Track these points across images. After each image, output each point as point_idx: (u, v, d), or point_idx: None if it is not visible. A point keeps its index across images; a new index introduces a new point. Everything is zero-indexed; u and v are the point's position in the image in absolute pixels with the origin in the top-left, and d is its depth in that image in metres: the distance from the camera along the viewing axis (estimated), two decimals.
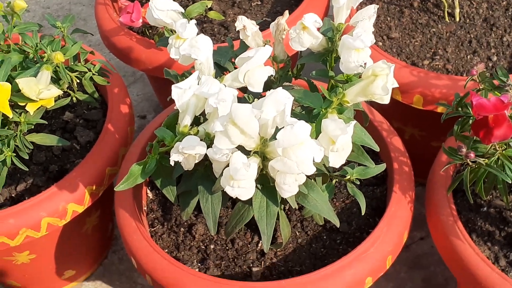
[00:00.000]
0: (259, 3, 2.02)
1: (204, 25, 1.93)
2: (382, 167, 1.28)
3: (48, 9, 2.89)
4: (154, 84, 2.13)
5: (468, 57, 1.73)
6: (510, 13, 1.83)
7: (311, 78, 1.31)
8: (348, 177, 1.28)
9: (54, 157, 1.61)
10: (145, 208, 1.52)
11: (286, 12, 1.28)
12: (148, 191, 1.55)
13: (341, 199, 1.50)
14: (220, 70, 1.35)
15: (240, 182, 1.03)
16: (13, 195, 1.54)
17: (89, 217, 1.65)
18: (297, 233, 1.44)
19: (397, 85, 1.09)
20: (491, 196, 1.43)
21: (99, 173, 1.53)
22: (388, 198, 1.43)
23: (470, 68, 1.70)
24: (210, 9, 1.96)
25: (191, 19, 1.85)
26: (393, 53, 1.77)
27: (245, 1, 2.01)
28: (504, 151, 1.17)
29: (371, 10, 1.18)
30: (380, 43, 1.80)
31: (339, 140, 1.03)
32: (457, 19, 1.83)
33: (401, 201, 1.40)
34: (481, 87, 1.26)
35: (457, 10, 1.83)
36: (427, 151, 1.75)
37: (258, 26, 1.28)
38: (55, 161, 1.60)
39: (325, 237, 1.44)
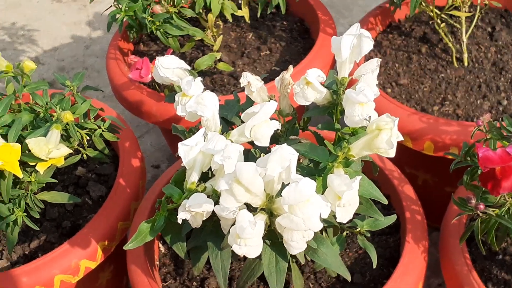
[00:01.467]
0: (268, 52, 2.04)
1: (213, 76, 1.95)
2: (393, 218, 1.27)
3: (62, 62, 2.94)
4: (166, 135, 2.15)
5: (478, 101, 1.73)
6: None
7: (318, 130, 1.31)
8: (359, 229, 1.28)
9: (67, 213, 1.62)
10: (157, 262, 1.52)
11: (290, 66, 1.29)
12: (160, 245, 1.55)
13: (354, 249, 1.49)
14: (227, 124, 1.35)
15: (247, 241, 1.03)
16: (26, 252, 1.55)
17: (102, 272, 1.65)
18: (311, 285, 1.43)
19: (402, 139, 1.09)
20: (506, 243, 1.42)
21: (111, 228, 1.54)
22: (402, 247, 1.42)
23: (480, 113, 1.70)
24: (220, 60, 1.99)
25: (200, 71, 1.88)
26: (402, 100, 1.77)
27: (254, 51, 2.03)
28: None
29: (374, 64, 1.19)
30: (389, 90, 1.81)
31: (345, 196, 1.03)
32: (466, 64, 1.84)
33: (414, 251, 1.39)
34: (488, 137, 1.25)
35: (465, 55, 1.83)
36: (441, 196, 1.74)
37: (262, 82, 1.28)
38: (68, 216, 1.61)
39: None
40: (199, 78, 1.25)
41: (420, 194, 1.58)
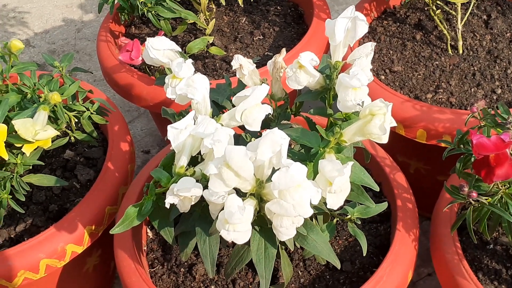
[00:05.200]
0: (261, 37, 2.01)
1: (206, 60, 1.92)
2: (384, 206, 1.25)
3: (53, 45, 2.90)
4: (157, 120, 2.12)
5: (472, 90, 1.71)
6: None
7: (310, 116, 1.29)
8: (349, 216, 1.26)
9: (54, 196, 1.60)
10: (145, 248, 1.50)
11: (283, 50, 1.26)
12: (148, 230, 1.53)
13: (344, 237, 1.47)
14: (218, 108, 1.33)
15: (236, 226, 1.01)
16: (12, 235, 1.53)
17: (89, 256, 1.63)
18: (300, 273, 1.41)
19: (395, 124, 1.07)
20: (497, 233, 1.40)
21: (99, 212, 1.52)
22: (392, 236, 1.41)
23: (474, 101, 1.68)
24: (212, 44, 1.96)
25: (192, 55, 1.85)
26: (396, 87, 1.75)
27: (247, 36, 2.01)
28: (507, 190, 1.14)
29: (368, 48, 1.17)
30: (383, 77, 1.79)
31: (336, 181, 1.01)
32: (461, 52, 1.82)
33: (405, 240, 1.37)
34: (482, 124, 1.23)
35: (460, 43, 1.81)
36: (432, 185, 1.73)
37: (254, 65, 1.26)
38: (55, 200, 1.59)
39: (328, 276, 1.41)
40: (190, 60, 1.23)
41: (412, 182, 1.56)
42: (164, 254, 1.48)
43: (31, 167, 1.39)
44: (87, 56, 2.81)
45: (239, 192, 1.06)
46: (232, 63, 1.25)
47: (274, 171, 1.02)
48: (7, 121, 1.36)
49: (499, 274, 1.34)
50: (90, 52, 2.82)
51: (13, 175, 1.34)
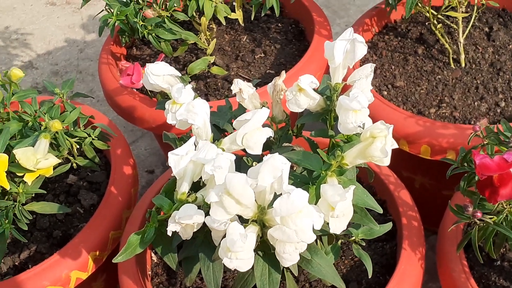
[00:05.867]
0: (262, 55, 2.01)
1: (207, 80, 1.92)
2: (388, 226, 1.24)
3: (56, 66, 2.91)
4: (160, 141, 2.12)
5: (476, 103, 1.70)
6: None
7: (312, 137, 1.28)
8: (354, 238, 1.25)
9: (58, 222, 1.59)
10: (150, 272, 1.49)
11: (283, 72, 1.26)
12: (153, 255, 1.52)
13: (350, 257, 1.46)
14: (219, 132, 1.33)
15: (238, 254, 1.00)
16: (16, 263, 1.52)
17: (94, 281, 1.62)
18: None
19: (397, 146, 1.06)
20: (504, 249, 1.39)
21: (102, 238, 1.51)
22: (398, 254, 1.39)
23: (478, 115, 1.67)
24: (214, 63, 1.96)
25: (194, 75, 1.85)
26: (399, 102, 1.74)
27: (248, 54, 2.01)
28: None
29: (368, 69, 1.16)
30: (385, 92, 1.78)
31: (338, 206, 1.00)
32: (463, 65, 1.81)
33: (411, 259, 1.36)
34: (485, 142, 1.22)
35: (462, 56, 1.81)
36: (438, 200, 1.72)
37: (254, 88, 1.26)
38: (58, 226, 1.59)
39: None
40: (190, 85, 1.22)
41: (417, 197, 1.55)
42: (169, 279, 1.47)
43: (33, 195, 1.38)
44: (90, 77, 2.82)
45: (241, 218, 1.05)
46: (231, 88, 1.24)
47: (276, 196, 1.01)
48: (9, 149, 1.36)
49: None
50: (93, 72, 2.83)
51: (15, 204, 1.34)
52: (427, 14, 1.80)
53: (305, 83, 1.15)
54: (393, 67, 1.86)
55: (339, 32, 2.77)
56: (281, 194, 0.99)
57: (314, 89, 1.20)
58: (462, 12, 1.80)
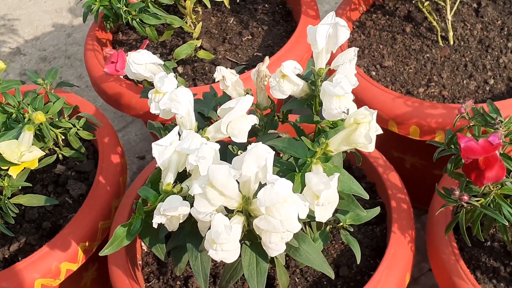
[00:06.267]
0: (250, 37, 1.99)
1: (195, 64, 1.90)
2: (376, 211, 1.24)
3: (44, 51, 2.88)
4: None
5: (464, 81, 1.69)
6: (505, 32, 1.78)
7: (298, 123, 1.27)
8: (342, 224, 1.24)
9: (47, 213, 1.58)
10: (140, 262, 1.48)
11: (266, 58, 1.24)
12: (143, 244, 1.51)
13: (340, 241, 1.46)
14: (204, 119, 1.31)
15: (223, 246, 0.99)
16: (6, 256, 1.52)
17: (86, 271, 1.62)
18: (297, 280, 1.40)
19: (381, 132, 1.04)
20: (494, 230, 1.39)
21: (92, 228, 1.50)
22: (388, 237, 1.39)
23: (467, 94, 1.66)
24: (201, 47, 1.94)
25: (180, 60, 1.83)
26: (387, 82, 1.73)
27: (236, 37, 1.99)
28: (499, 191, 1.12)
29: (351, 53, 1.14)
30: (373, 73, 1.76)
31: (323, 195, 0.99)
32: (451, 43, 1.79)
33: (400, 242, 1.36)
34: (471, 124, 1.21)
35: (451, 33, 1.79)
36: (429, 179, 1.71)
37: (237, 75, 1.24)
38: (48, 217, 1.58)
39: (325, 282, 1.39)
40: (172, 74, 1.21)
41: (408, 177, 1.55)
42: (159, 268, 1.47)
43: (20, 188, 1.37)
44: (78, 62, 2.79)
45: (227, 209, 1.04)
46: (214, 75, 1.22)
47: (261, 185, 1.00)
48: None
49: (497, 272, 1.32)
50: (81, 58, 2.80)
51: (1, 198, 1.33)
52: None
53: (288, 69, 1.14)
54: (381, 46, 1.84)
55: (329, 9, 2.75)
56: (265, 183, 0.98)
57: (298, 75, 1.19)
58: None
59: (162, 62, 1.28)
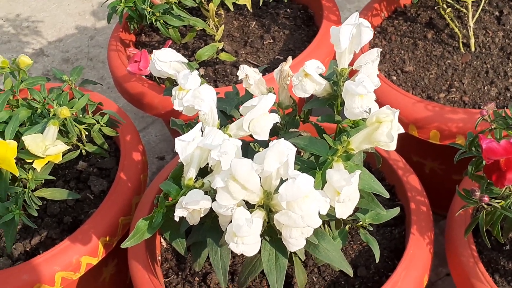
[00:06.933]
0: (271, 41, 2.01)
1: (216, 66, 1.92)
2: (395, 211, 1.25)
3: (67, 53, 2.92)
4: (169, 127, 2.12)
5: (486, 88, 1.69)
6: None
7: (319, 123, 1.28)
8: (361, 223, 1.25)
9: (68, 208, 1.61)
10: (159, 257, 1.50)
11: (289, 58, 1.26)
12: (162, 240, 1.53)
13: (358, 242, 1.46)
14: (226, 118, 1.33)
15: (244, 239, 1.00)
16: (27, 249, 1.54)
17: (105, 266, 1.64)
18: (314, 279, 1.41)
19: (403, 131, 1.05)
20: None
21: (112, 224, 1.52)
22: (407, 239, 1.39)
23: (488, 100, 1.66)
24: (222, 50, 1.96)
25: (202, 61, 1.85)
26: (408, 87, 1.74)
27: (257, 40, 2.00)
28: None
29: (374, 54, 1.16)
30: (394, 77, 1.77)
31: (344, 191, 1.00)
32: (473, 49, 1.80)
33: (419, 243, 1.36)
34: (493, 127, 1.22)
35: (472, 40, 1.79)
36: (448, 184, 1.71)
37: (260, 74, 1.26)
38: (69, 212, 1.60)
39: (343, 282, 1.40)
40: (196, 72, 1.22)
41: (427, 182, 1.55)
42: (178, 264, 1.48)
43: (43, 181, 1.39)
44: (100, 64, 2.83)
45: (247, 204, 1.05)
46: (238, 73, 1.24)
47: (282, 181, 1.02)
48: (18, 136, 1.37)
49: None
50: (103, 60, 2.83)
51: (25, 191, 1.35)
52: None
53: (311, 68, 1.15)
54: (402, 52, 1.85)
55: None
56: (287, 179, 1.00)
57: (320, 75, 1.20)
58: None
59: (186, 61, 1.30)
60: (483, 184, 1.19)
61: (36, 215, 1.37)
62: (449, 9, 1.80)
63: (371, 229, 1.25)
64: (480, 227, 1.17)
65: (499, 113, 1.23)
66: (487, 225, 1.18)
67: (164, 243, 1.53)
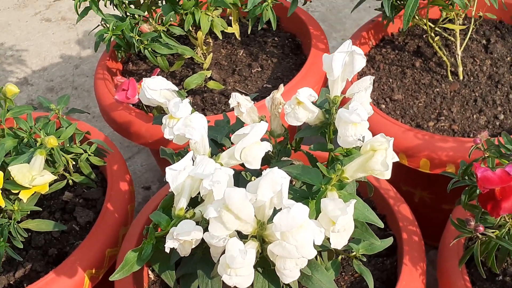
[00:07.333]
0: (259, 69, 2.00)
1: (204, 94, 1.91)
2: (389, 241, 1.23)
3: (51, 82, 2.90)
4: (156, 157, 2.10)
5: (474, 116, 1.69)
6: None
7: (311, 151, 1.26)
8: (354, 253, 1.23)
9: (54, 240, 1.57)
10: None
11: (281, 86, 1.24)
12: (150, 272, 1.50)
13: (350, 273, 1.44)
14: (217, 146, 1.31)
15: (238, 271, 0.98)
16: (11, 282, 1.50)
17: None
18: None
19: (398, 159, 1.04)
20: (506, 264, 1.37)
21: (99, 256, 1.49)
22: (399, 270, 1.37)
23: (477, 128, 1.66)
24: (211, 78, 1.94)
25: (190, 90, 1.84)
26: (397, 116, 1.73)
27: (245, 68, 2.00)
28: None
29: (367, 82, 1.15)
30: (383, 106, 1.77)
31: (339, 221, 0.98)
32: (461, 78, 1.80)
33: (412, 274, 1.34)
34: (486, 155, 1.21)
35: (460, 69, 1.80)
36: (438, 214, 1.70)
37: (252, 102, 1.24)
38: (54, 244, 1.56)
39: None
40: (187, 100, 1.21)
41: (417, 212, 1.54)
42: None
43: (28, 212, 1.36)
44: (85, 93, 2.80)
45: (240, 234, 1.03)
46: (229, 102, 1.23)
47: (275, 211, 1.00)
48: (4, 166, 1.34)
49: None
50: (88, 89, 2.81)
51: (10, 222, 1.32)
52: (425, 27, 1.79)
53: (303, 96, 1.14)
54: (390, 80, 1.85)
55: (336, 45, 2.76)
56: (281, 209, 0.98)
57: (312, 102, 1.19)
58: (460, 24, 1.79)
59: (176, 88, 1.29)
60: (477, 213, 1.18)
61: (22, 247, 1.33)
62: (437, 37, 1.81)
63: (365, 259, 1.23)
64: (475, 258, 1.15)
65: (492, 142, 1.22)
66: (482, 255, 1.16)
67: (151, 275, 1.49)
